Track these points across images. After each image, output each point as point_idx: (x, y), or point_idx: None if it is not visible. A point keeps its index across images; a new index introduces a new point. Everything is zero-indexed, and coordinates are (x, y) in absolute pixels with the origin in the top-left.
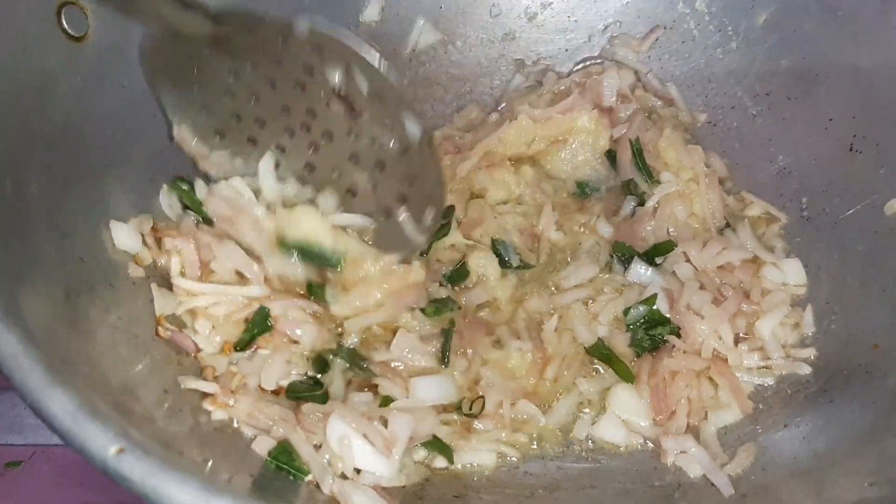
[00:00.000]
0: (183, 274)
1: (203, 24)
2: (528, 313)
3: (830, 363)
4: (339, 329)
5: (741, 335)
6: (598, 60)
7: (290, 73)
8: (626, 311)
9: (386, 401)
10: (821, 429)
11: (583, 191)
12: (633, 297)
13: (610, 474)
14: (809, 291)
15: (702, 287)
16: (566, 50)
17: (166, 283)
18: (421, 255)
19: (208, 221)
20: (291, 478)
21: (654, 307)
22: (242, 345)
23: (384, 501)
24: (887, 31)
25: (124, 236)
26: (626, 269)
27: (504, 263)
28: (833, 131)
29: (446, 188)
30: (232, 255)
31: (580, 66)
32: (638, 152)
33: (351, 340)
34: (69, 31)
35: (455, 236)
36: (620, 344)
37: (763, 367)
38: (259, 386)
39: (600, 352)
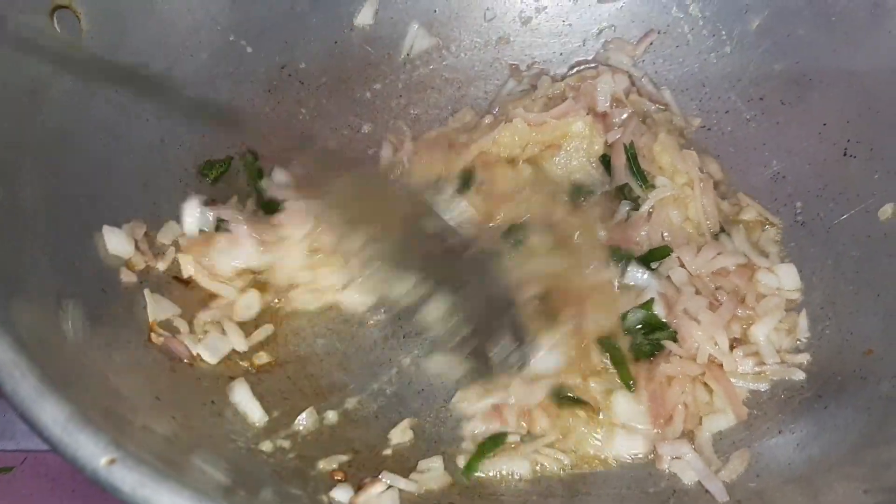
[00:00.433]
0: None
1: None
2: None
3: (824, 369)
4: None
5: (735, 339)
6: (593, 65)
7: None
8: (623, 316)
9: None
10: (815, 435)
11: (578, 194)
12: (628, 302)
13: (605, 480)
14: (803, 296)
15: (697, 292)
16: (560, 54)
17: (159, 289)
18: None
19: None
20: None
21: (652, 312)
22: None
23: None
24: (881, 35)
25: (117, 241)
26: (623, 272)
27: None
28: (827, 136)
29: None
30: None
31: (574, 70)
32: (632, 157)
33: None
34: (62, 34)
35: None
36: (623, 346)
37: (758, 372)
38: None
39: (611, 346)
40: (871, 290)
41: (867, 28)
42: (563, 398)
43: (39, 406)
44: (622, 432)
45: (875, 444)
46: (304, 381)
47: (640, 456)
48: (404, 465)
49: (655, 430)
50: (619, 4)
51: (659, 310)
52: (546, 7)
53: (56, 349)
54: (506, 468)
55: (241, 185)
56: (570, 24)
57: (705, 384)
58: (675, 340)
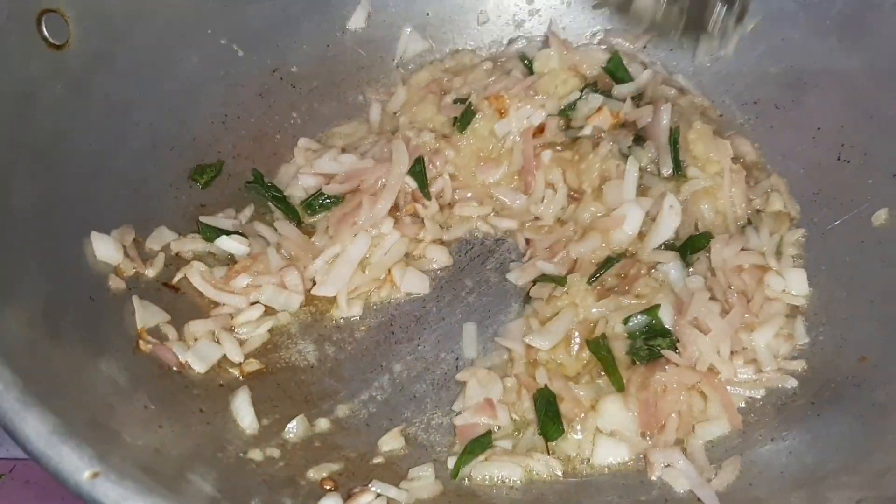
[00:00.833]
0: None
1: None
2: None
3: (818, 376)
4: None
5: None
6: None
7: None
8: (626, 320)
9: None
10: (808, 443)
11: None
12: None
13: (598, 489)
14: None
15: (712, 297)
16: None
17: (148, 295)
18: None
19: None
20: None
21: (658, 317)
22: None
23: None
24: (874, 40)
25: (105, 248)
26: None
27: None
28: (821, 140)
29: None
30: None
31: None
32: (674, 142)
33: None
34: (50, 39)
35: None
36: (618, 349)
37: (755, 380)
38: None
39: (600, 350)
40: (865, 296)
41: (861, 33)
42: (547, 410)
43: (22, 418)
44: (607, 438)
45: (869, 452)
46: (295, 389)
47: (626, 463)
48: (395, 472)
49: (645, 439)
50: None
51: (666, 315)
52: (539, 10)
53: (41, 358)
54: (497, 474)
55: (232, 189)
56: (563, 28)
57: (700, 392)
58: (674, 348)
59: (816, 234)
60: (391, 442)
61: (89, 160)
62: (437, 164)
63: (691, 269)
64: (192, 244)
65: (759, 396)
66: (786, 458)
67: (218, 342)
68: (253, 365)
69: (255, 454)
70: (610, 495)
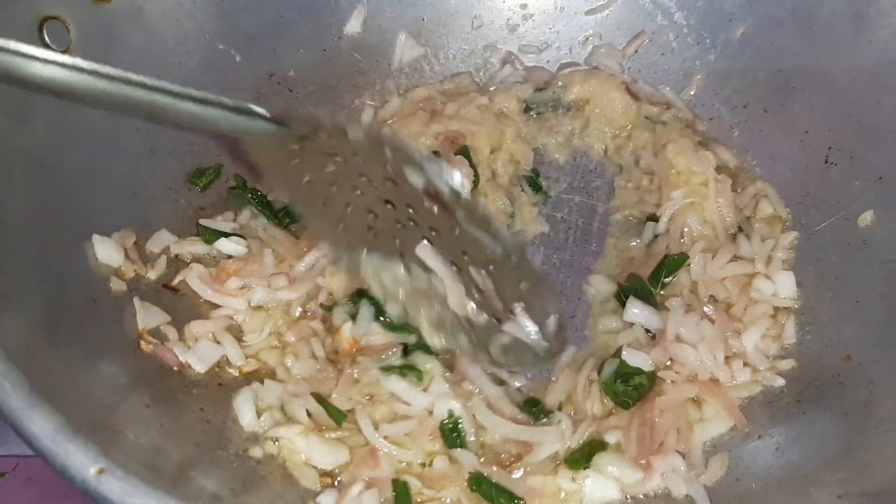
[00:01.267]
0: None
1: (266, 128)
2: None
3: (804, 374)
4: None
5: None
6: (583, 67)
7: (377, 171)
8: (599, 369)
9: None
10: (794, 440)
11: None
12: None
13: None
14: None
15: (689, 310)
16: (547, 61)
17: (149, 297)
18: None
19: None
20: None
21: (622, 359)
22: None
23: None
24: (862, 45)
25: (106, 250)
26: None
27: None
28: (809, 143)
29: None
30: None
31: (565, 70)
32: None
33: None
34: (51, 45)
35: None
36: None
37: (750, 380)
38: None
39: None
40: (851, 296)
41: (849, 37)
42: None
43: (29, 417)
44: (594, 476)
45: (852, 449)
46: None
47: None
48: None
49: (637, 474)
50: (605, 13)
51: (631, 356)
52: (533, 15)
53: (45, 359)
54: None
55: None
56: (556, 32)
57: (693, 400)
58: (652, 381)
59: (804, 235)
60: None
61: (89, 165)
62: None
63: (662, 293)
64: (191, 246)
65: (757, 392)
66: (772, 454)
67: (218, 343)
68: (251, 364)
69: (256, 452)
70: None
